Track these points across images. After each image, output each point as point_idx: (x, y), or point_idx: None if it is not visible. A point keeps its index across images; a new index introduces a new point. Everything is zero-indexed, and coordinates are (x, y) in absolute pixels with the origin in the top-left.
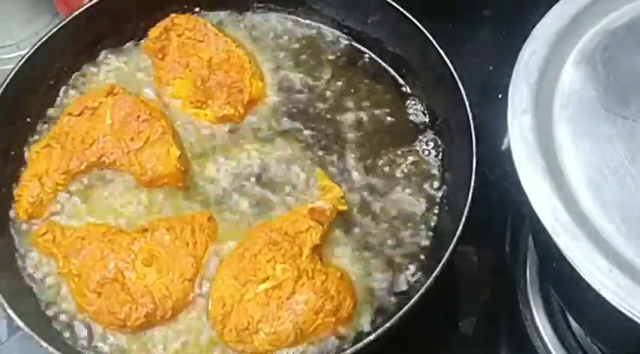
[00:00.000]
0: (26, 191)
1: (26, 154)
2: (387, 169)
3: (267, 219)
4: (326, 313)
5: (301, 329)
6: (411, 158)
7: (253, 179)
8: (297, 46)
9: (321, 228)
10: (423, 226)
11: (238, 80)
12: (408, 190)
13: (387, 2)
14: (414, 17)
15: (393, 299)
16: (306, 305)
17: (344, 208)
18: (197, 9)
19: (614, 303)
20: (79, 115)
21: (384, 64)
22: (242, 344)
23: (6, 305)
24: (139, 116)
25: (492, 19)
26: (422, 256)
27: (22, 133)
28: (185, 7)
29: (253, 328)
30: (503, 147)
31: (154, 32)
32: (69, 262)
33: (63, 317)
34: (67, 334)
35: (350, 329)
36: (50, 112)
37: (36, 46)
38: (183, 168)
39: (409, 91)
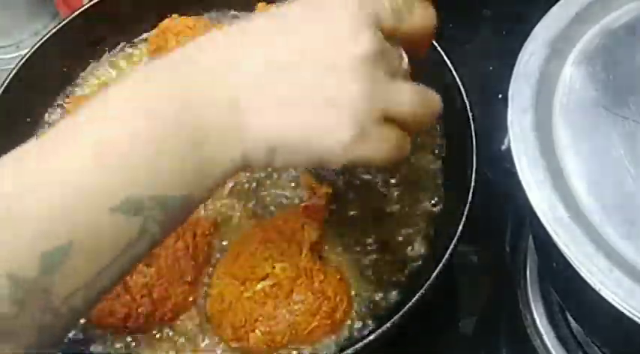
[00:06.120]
0: None
1: None
2: (384, 168)
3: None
4: (322, 314)
5: (296, 331)
6: (409, 158)
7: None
8: None
9: (317, 225)
10: (422, 226)
11: None
12: (406, 190)
13: None
14: None
15: (392, 299)
16: (303, 305)
17: (333, 206)
18: (198, 9)
19: (614, 303)
20: None
21: None
22: (237, 342)
23: None
24: None
25: (492, 19)
26: (421, 256)
27: (22, 134)
28: (186, 7)
29: (250, 326)
30: (503, 147)
31: (152, 33)
32: None
33: None
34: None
35: (346, 331)
36: (50, 112)
37: (36, 46)
38: None
39: None
